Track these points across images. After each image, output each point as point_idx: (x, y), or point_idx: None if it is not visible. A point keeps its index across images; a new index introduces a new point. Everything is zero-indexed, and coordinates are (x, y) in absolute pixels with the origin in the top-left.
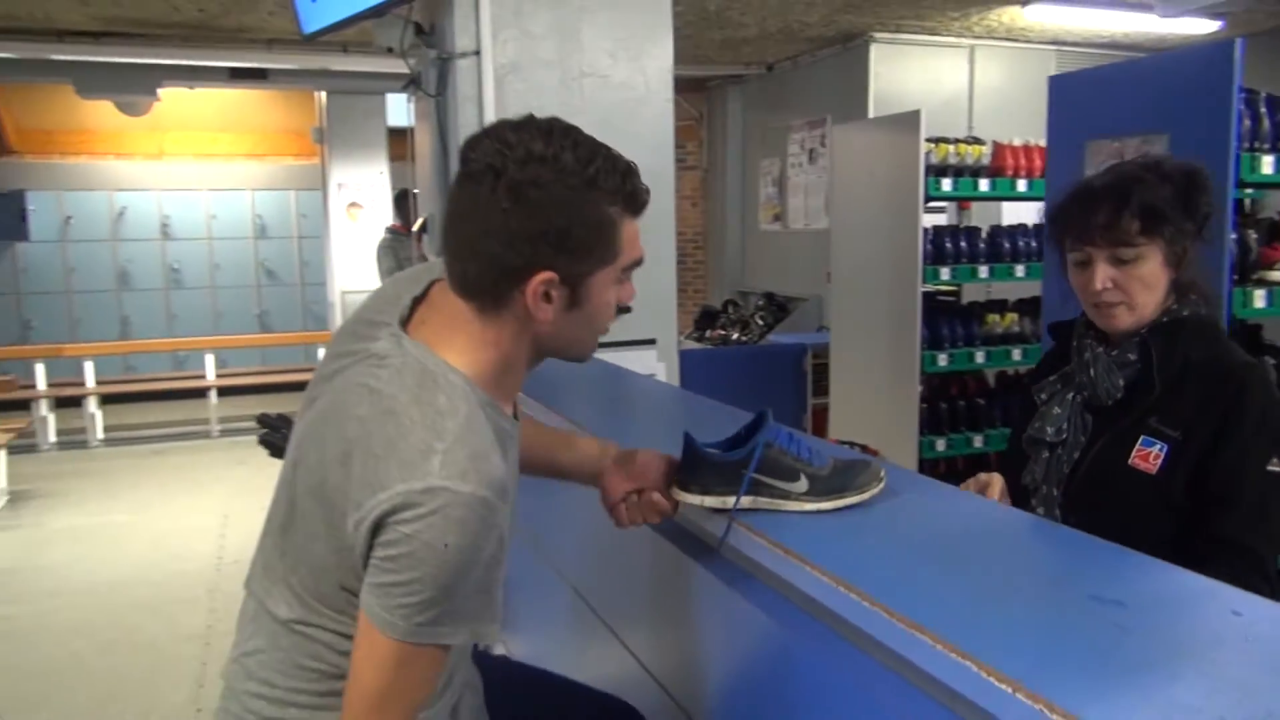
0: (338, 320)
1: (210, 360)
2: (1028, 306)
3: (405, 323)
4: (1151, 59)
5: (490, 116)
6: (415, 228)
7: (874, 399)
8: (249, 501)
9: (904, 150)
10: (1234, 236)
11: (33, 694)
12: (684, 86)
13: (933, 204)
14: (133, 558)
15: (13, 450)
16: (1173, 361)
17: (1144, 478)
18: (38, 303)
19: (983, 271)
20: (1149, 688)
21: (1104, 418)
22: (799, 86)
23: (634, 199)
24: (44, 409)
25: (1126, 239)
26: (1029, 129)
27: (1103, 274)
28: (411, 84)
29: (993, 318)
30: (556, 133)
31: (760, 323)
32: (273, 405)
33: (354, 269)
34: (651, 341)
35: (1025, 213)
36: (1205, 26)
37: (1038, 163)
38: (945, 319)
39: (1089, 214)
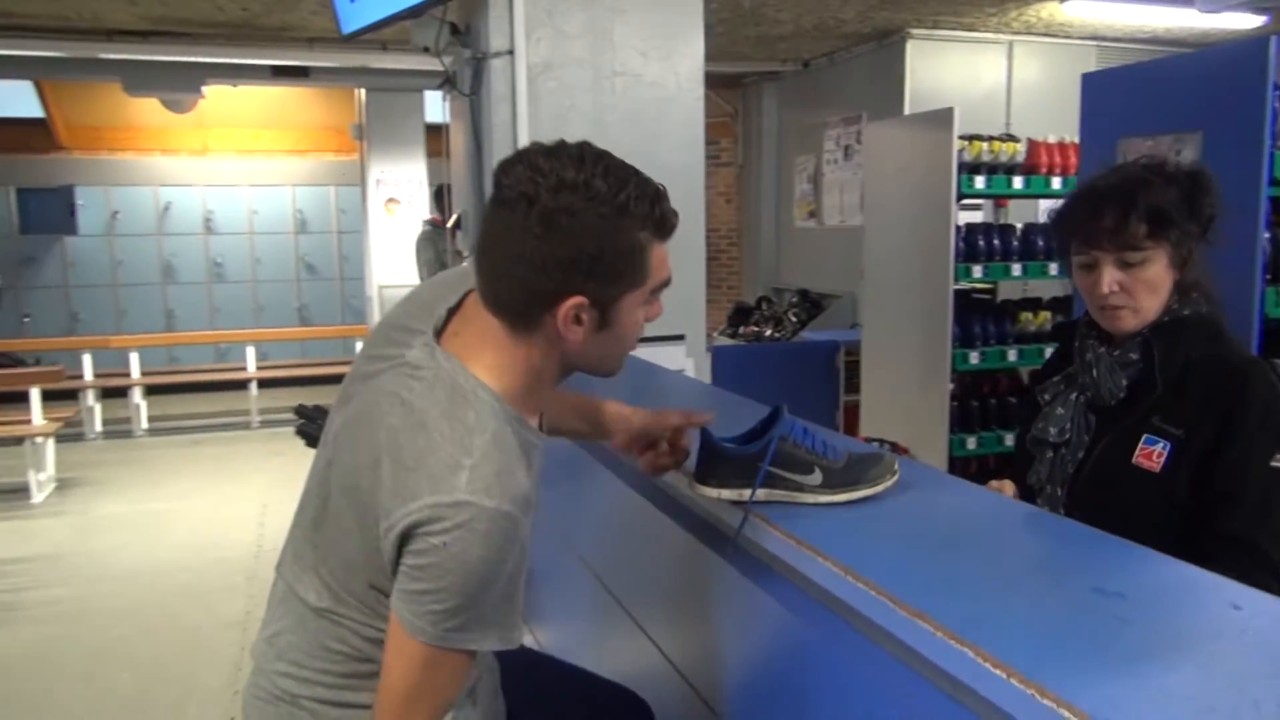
0: (375, 315)
1: (251, 353)
2: (1061, 305)
3: (439, 332)
4: (1185, 56)
5: (523, 115)
6: (449, 224)
7: (905, 397)
8: (287, 492)
9: (937, 147)
10: (1267, 236)
11: (79, 674)
12: (719, 83)
13: (969, 201)
14: (174, 545)
15: (61, 438)
16: (1174, 360)
17: (1148, 476)
18: (86, 295)
19: (1015, 269)
20: (1142, 677)
21: (1107, 417)
22: (835, 83)
23: (663, 223)
24: (91, 399)
25: (1133, 242)
26: (1067, 126)
27: (1109, 277)
28: (447, 83)
29: (1025, 316)
30: (588, 159)
31: (794, 319)
32: (311, 397)
33: (391, 264)
34: (680, 337)
35: None
36: (1249, 22)
37: (1073, 160)
38: (977, 317)
39: (1095, 218)
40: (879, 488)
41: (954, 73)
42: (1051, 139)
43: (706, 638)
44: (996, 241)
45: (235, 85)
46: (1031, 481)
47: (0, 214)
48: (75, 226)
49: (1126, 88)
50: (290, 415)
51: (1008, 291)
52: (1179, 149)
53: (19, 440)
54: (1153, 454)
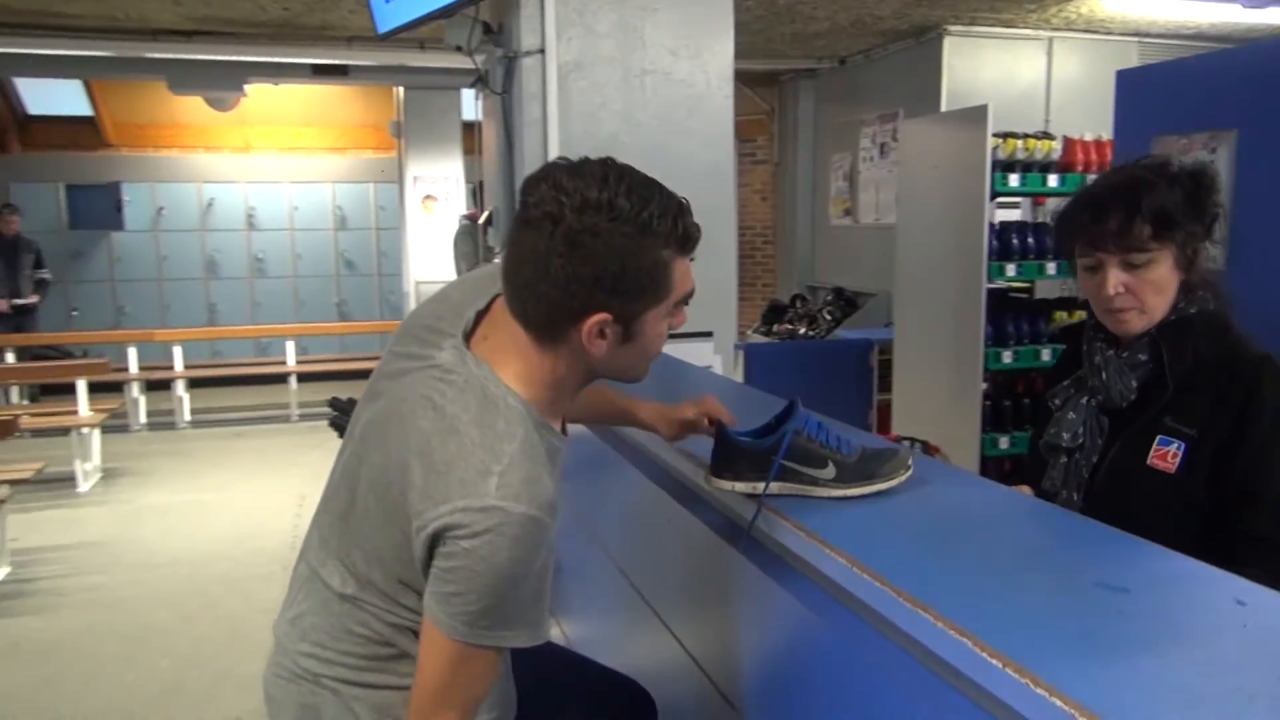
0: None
1: (291, 347)
2: None
3: (468, 335)
4: (1222, 53)
5: (554, 113)
6: (480, 220)
7: (937, 396)
8: (323, 484)
9: (971, 145)
10: None
11: (120, 658)
12: (755, 80)
13: (1007, 199)
14: (214, 534)
15: (106, 430)
16: (1184, 359)
17: (1163, 477)
18: (131, 290)
19: (1050, 268)
20: (1136, 667)
21: (1120, 420)
22: (871, 80)
23: (686, 239)
24: (135, 391)
25: (1138, 245)
26: (1108, 123)
27: (1114, 279)
28: (479, 81)
29: (1060, 315)
30: (611, 177)
31: (828, 318)
32: (350, 391)
33: (428, 260)
34: (708, 334)
35: None
36: None
37: (1109, 158)
38: (1011, 316)
39: (1099, 220)
40: (892, 482)
41: (991, 70)
42: (1088, 136)
43: (723, 630)
44: (1031, 240)
45: (276, 84)
46: (1046, 487)
47: (50, 210)
48: (122, 222)
49: (1161, 84)
50: (327, 409)
51: (1046, 290)
52: (1213, 147)
53: (66, 431)
54: (1167, 454)
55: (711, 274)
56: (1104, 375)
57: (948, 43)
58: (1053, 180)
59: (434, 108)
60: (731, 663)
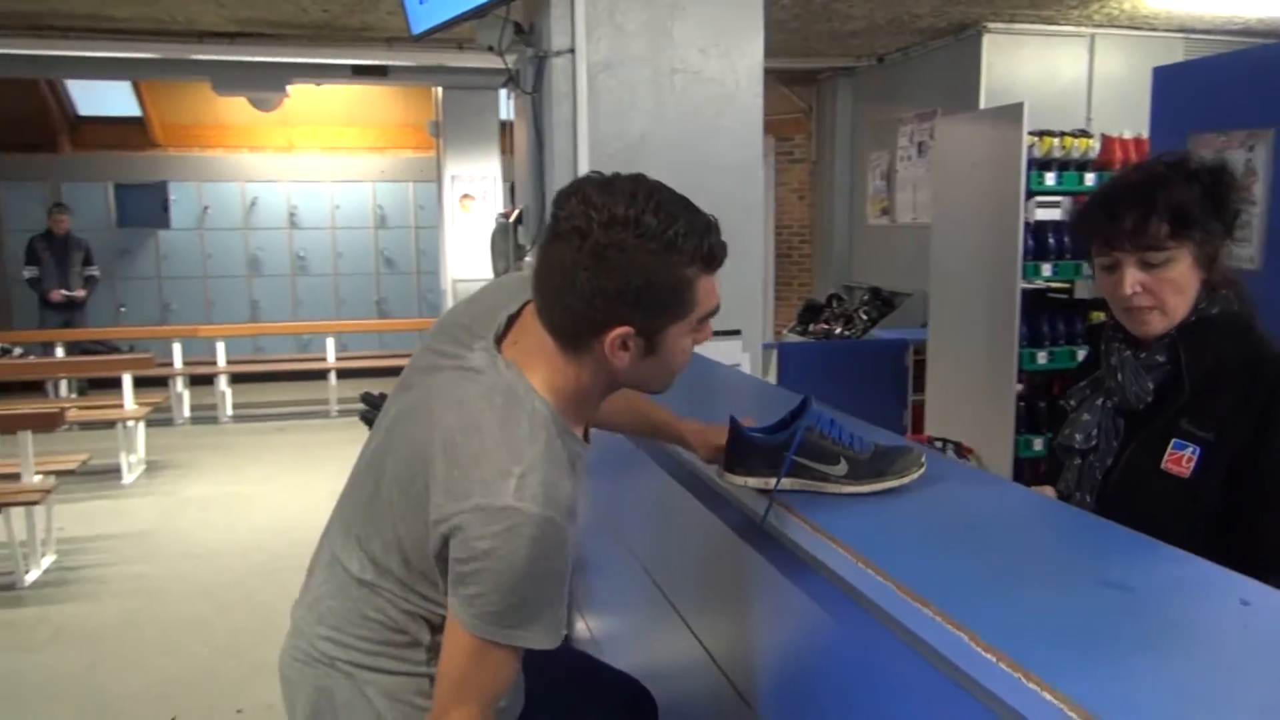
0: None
1: (331, 343)
2: None
3: (499, 339)
4: (1260, 49)
5: (583, 113)
6: (511, 219)
7: (971, 396)
8: None
9: (1006, 143)
10: None
11: (158, 645)
12: (792, 79)
13: (1047, 199)
14: (253, 526)
15: (151, 423)
16: (1203, 361)
17: (1176, 482)
18: (177, 287)
19: (1087, 268)
20: (1130, 665)
21: (1136, 422)
22: (909, 78)
23: (711, 258)
24: (180, 386)
25: (1155, 243)
26: None
27: (1131, 279)
28: (510, 81)
29: (1096, 314)
30: (640, 194)
31: (864, 317)
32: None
33: (465, 258)
34: (736, 333)
35: None
36: None
37: (1147, 156)
38: (1046, 316)
39: (1115, 218)
40: (904, 480)
41: (1032, 67)
42: (1127, 134)
43: (736, 625)
44: (1067, 239)
45: (318, 84)
46: (1061, 489)
47: (99, 208)
48: (168, 221)
49: (1198, 81)
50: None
51: (1086, 290)
52: (1251, 145)
53: (112, 424)
54: (1182, 459)
55: (740, 273)
56: (1120, 376)
57: (987, 40)
58: (1090, 179)
59: (471, 108)
60: (746, 658)
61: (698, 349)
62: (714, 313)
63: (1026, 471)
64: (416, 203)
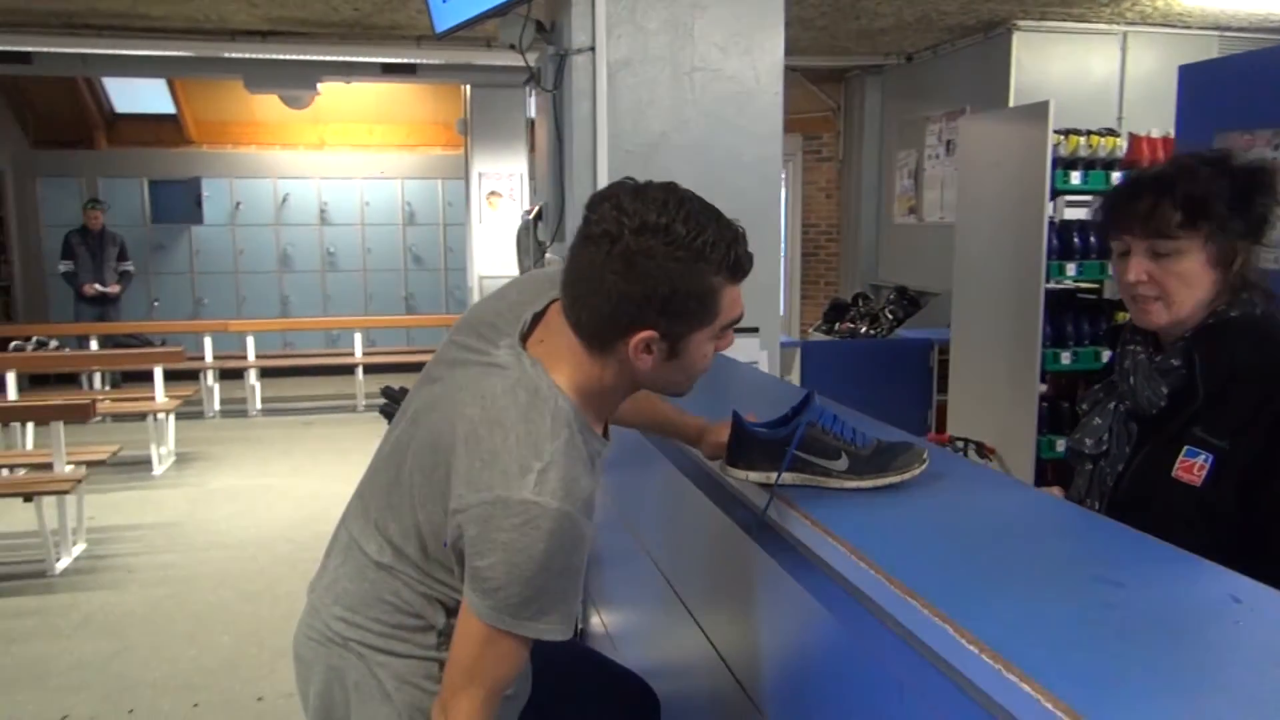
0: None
1: (359, 339)
2: None
3: (524, 336)
4: None
5: (603, 111)
6: (531, 215)
7: (994, 396)
8: None
9: (1032, 142)
10: None
11: (183, 634)
12: (820, 77)
13: (1075, 198)
14: (279, 518)
15: (181, 416)
16: (1218, 366)
17: (1187, 490)
18: (209, 282)
19: (1112, 268)
20: (1112, 656)
21: (1150, 427)
22: (938, 77)
23: (737, 267)
24: (210, 379)
25: (1165, 230)
26: None
27: (1137, 266)
28: (532, 79)
29: (1122, 315)
30: (671, 203)
31: (890, 317)
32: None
33: (492, 255)
34: (754, 330)
35: None
36: None
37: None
38: (1071, 316)
39: (1132, 203)
40: (905, 475)
41: (1062, 65)
42: (1155, 133)
43: (741, 620)
44: (1093, 239)
45: (348, 82)
46: (1071, 494)
47: (134, 204)
48: (201, 216)
49: (1225, 79)
50: (380, 397)
51: (1114, 290)
52: (1277, 143)
53: (143, 416)
54: (1193, 467)
55: (759, 271)
56: (1132, 380)
57: (1017, 38)
58: (1116, 178)
59: (499, 105)
60: (749, 652)
61: None
62: (737, 321)
63: (1049, 473)
64: (445, 200)
